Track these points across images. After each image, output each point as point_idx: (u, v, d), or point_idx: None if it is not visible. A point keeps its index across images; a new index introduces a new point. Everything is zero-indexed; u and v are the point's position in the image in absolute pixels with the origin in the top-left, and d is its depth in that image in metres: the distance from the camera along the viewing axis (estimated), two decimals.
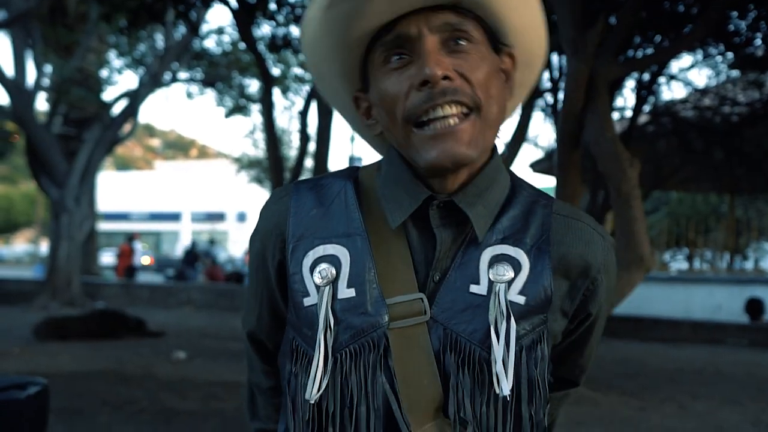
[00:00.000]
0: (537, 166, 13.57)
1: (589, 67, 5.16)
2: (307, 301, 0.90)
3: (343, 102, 1.01)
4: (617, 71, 5.60)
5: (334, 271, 0.89)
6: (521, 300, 0.87)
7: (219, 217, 43.58)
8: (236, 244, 39.19)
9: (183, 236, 36.36)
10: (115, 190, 42.95)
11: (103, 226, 34.26)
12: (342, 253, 0.90)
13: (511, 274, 0.88)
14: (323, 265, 0.89)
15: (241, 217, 42.73)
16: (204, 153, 64.06)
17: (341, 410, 0.86)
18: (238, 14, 7.80)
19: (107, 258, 27.49)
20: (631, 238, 5.03)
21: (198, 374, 6.31)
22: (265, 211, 0.99)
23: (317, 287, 0.89)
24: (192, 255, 18.15)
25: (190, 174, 45.66)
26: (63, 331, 8.43)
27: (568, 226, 0.93)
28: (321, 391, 0.85)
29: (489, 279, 0.87)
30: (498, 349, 0.84)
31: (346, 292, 0.88)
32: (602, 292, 0.95)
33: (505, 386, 0.83)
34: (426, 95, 0.84)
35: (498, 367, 0.83)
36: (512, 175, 0.98)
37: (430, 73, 0.83)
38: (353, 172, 0.99)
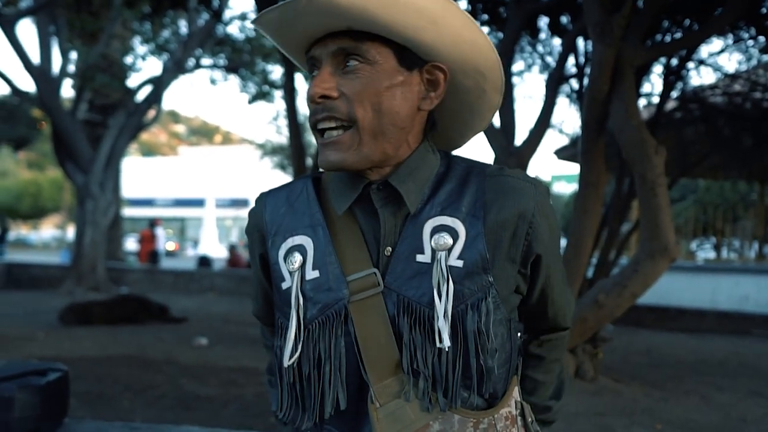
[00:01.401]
0: (562, 153, 13.40)
1: (614, 52, 5.04)
2: (284, 285, 1.07)
3: None
4: (644, 56, 5.46)
5: (301, 258, 1.06)
6: (460, 264, 1.01)
7: (243, 203, 43.84)
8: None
9: (207, 222, 36.59)
10: (140, 176, 43.40)
11: (128, 212, 34.65)
12: (306, 241, 1.07)
13: (450, 242, 1.01)
14: (293, 254, 1.06)
15: None
16: (228, 139, 64.39)
17: (312, 370, 1.02)
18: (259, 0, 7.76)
19: (131, 244, 27.79)
20: (655, 227, 4.93)
21: (219, 360, 6.34)
22: (250, 214, 1.16)
23: (290, 273, 1.06)
24: None
25: (214, 160, 45.95)
26: (87, 316, 8.53)
27: (499, 183, 1.05)
28: (295, 357, 1.02)
29: (431, 248, 1.01)
30: (440, 307, 0.97)
31: (312, 274, 1.05)
32: (543, 232, 1.06)
33: (446, 339, 0.97)
34: (312, 109, 1.02)
35: (440, 323, 0.97)
36: (449, 156, 1.11)
37: (310, 93, 1.01)
38: (311, 175, 1.16)
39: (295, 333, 1.03)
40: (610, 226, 8.58)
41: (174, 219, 45.70)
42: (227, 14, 14.24)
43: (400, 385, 1.00)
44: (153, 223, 18.89)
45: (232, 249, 17.82)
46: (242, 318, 9.56)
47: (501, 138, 6.04)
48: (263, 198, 1.15)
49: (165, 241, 28.03)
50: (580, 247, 5.26)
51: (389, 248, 1.04)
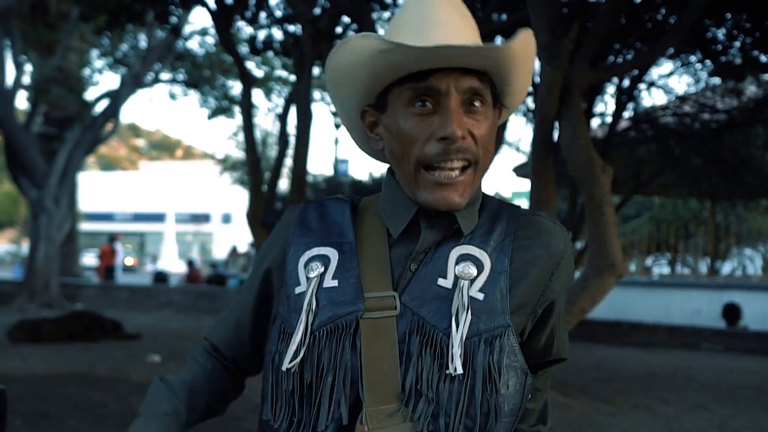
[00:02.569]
0: (520, 171, 13.63)
1: (562, 74, 5.18)
2: (298, 290, 1.05)
3: (349, 111, 1.14)
4: (592, 78, 5.62)
5: (322, 267, 1.05)
6: (480, 296, 1.01)
7: (204, 218, 43.39)
8: (221, 246, 39.04)
9: (167, 237, 36.11)
10: (99, 191, 42.67)
11: (87, 226, 34.02)
12: (332, 253, 1.06)
13: (474, 272, 1.01)
14: (315, 263, 1.06)
15: (226, 219, 42.58)
16: (190, 154, 63.77)
17: (315, 378, 0.99)
18: (216, 16, 7.78)
19: (90, 259, 27.28)
20: (603, 244, 5.05)
21: None
22: (279, 222, 1.16)
23: (308, 279, 1.04)
24: None
25: (174, 175, 45.46)
26: (37, 333, 8.36)
27: (531, 223, 1.08)
28: (297, 361, 0.99)
29: (455, 274, 1.01)
30: (456, 335, 0.97)
31: (330, 282, 1.03)
32: (563, 277, 1.08)
33: (458, 366, 0.95)
34: (443, 149, 0.99)
35: (454, 349, 0.96)
36: (481, 191, 1.13)
37: (452, 133, 0.98)
38: (351, 198, 1.16)
39: (301, 337, 1.00)
40: None
41: (133, 234, 44.98)
42: (187, 29, 14.17)
43: (393, 413, 0.97)
44: (112, 237, 18.61)
45: (190, 264, 17.62)
46: (198, 334, 9.41)
47: None
48: (297, 209, 1.15)
49: (124, 256, 27.58)
50: None
51: (415, 264, 1.04)
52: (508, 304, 1.02)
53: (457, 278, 1.01)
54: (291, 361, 0.99)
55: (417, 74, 1.00)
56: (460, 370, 0.95)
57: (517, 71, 1.05)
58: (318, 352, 1.00)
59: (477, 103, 1.02)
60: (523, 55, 1.03)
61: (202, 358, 1.21)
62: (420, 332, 0.99)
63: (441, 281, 1.02)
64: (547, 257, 1.06)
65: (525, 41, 1.01)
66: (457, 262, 1.03)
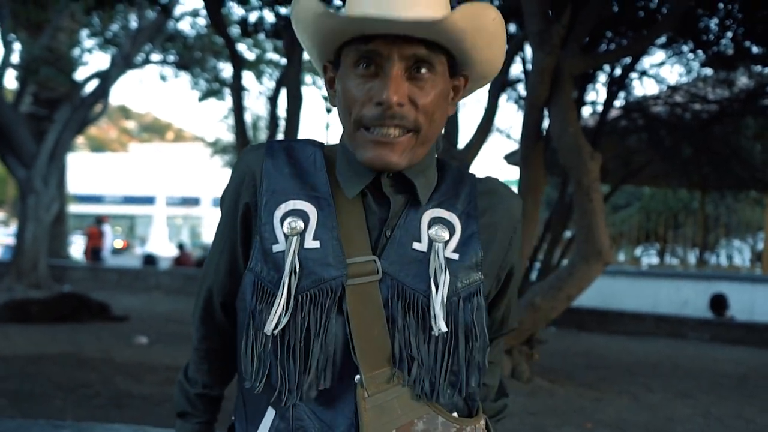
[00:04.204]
0: (510, 159, 13.62)
1: (553, 60, 5.17)
2: (276, 248, 1.02)
3: (317, 64, 1.14)
4: (582, 64, 5.61)
5: (302, 224, 1.01)
6: (455, 256, 1.03)
7: (194, 201, 43.25)
8: (211, 229, 38.97)
9: (157, 220, 35.97)
10: (89, 172, 42.42)
11: (75, 208, 33.82)
12: (310, 209, 1.03)
13: (447, 235, 1.03)
14: (292, 218, 1.02)
15: (216, 203, 42.37)
16: (180, 136, 63.42)
17: (299, 343, 0.98)
18: None
19: (77, 241, 27.18)
20: (590, 231, 5.07)
21: (157, 359, 6.26)
22: (239, 162, 1.10)
23: (285, 236, 1.01)
24: None
25: (165, 157, 45.23)
26: (24, 313, 8.32)
27: (489, 188, 1.12)
28: (281, 327, 0.98)
29: (429, 237, 1.03)
30: (437, 297, 0.98)
31: (312, 243, 1.01)
32: (518, 242, 1.13)
33: (442, 325, 0.98)
34: (379, 113, 0.99)
35: (436, 310, 0.98)
36: (438, 159, 1.14)
37: (387, 98, 0.97)
38: (319, 143, 1.12)
39: (285, 301, 0.98)
40: (554, 231, 8.76)
41: (123, 216, 44.81)
42: (178, 10, 14.05)
43: (389, 378, 0.99)
44: (99, 219, 18.52)
45: (181, 247, 17.59)
46: (186, 317, 9.43)
47: (444, 141, 6.11)
48: (260, 148, 1.10)
49: (112, 239, 27.48)
50: (519, 252, 5.37)
51: (390, 230, 1.04)
52: (481, 263, 1.05)
53: (431, 241, 1.03)
54: (275, 327, 0.98)
55: (364, 36, 1.00)
56: (444, 329, 0.98)
57: (470, 43, 1.03)
58: (302, 316, 0.98)
59: (423, 71, 1.01)
60: (473, 29, 1.01)
61: (202, 332, 1.20)
62: (401, 296, 1.00)
63: (416, 245, 1.03)
64: (507, 221, 1.11)
65: (470, 14, 0.98)
66: (429, 226, 1.04)
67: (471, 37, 1.02)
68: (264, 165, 1.07)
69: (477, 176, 1.14)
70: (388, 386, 0.98)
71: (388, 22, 0.96)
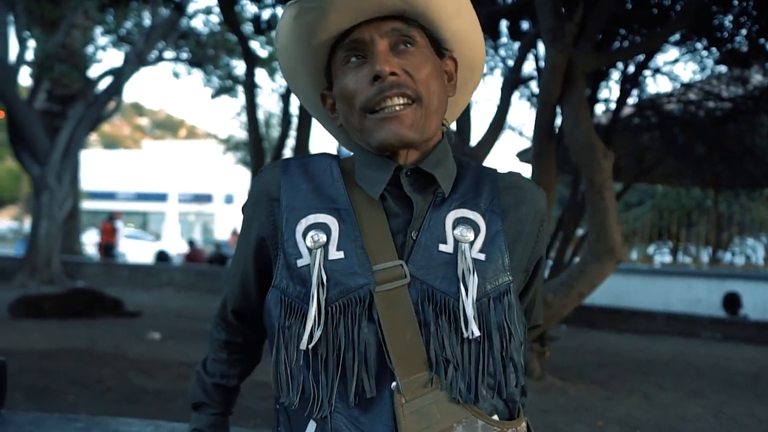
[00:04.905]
0: (523, 156, 13.58)
1: (566, 58, 5.15)
2: (300, 263, 1.02)
3: (311, 99, 1.18)
4: (595, 62, 5.59)
5: (324, 237, 1.02)
6: (482, 257, 1.02)
7: (206, 198, 43.39)
8: (223, 226, 39.08)
9: (169, 217, 36.16)
10: (102, 169, 42.66)
11: (89, 204, 34.04)
12: (331, 221, 1.03)
13: (472, 235, 1.03)
14: (314, 231, 1.02)
15: (229, 199, 42.57)
16: (193, 133, 63.68)
17: (332, 355, 0.98)
18: None
19: (91, 237, 27.33)
20: (602, 229, 5.05)
21: (169, 354, 6.30)
22: (257, 181, 1.12)
23: (309, 250, 1.02)
24: None
25: (177, 154, 45.40)
26: (38, 309, 8.39)
27: (511, 183, 1.11)
28: (315, 341, 0.98)
29: (454, 239, 1.02)
30: (467, 299, 0.98)
31: (336, 254, 1.01)
32: (546, 234, 1.14)
33: (474, 329, 0.97)
34: (377, 89, 1.01)
35: (468, 311, 0.97)
36: (456, 156, 1.14)
37: (380, 69, 1.00)
38: (334, 155, 1.14)
39: (315, 314, 0.98)
40: (566, 229, 8.74)
41: (136, 213, 45.04)
42: (191, 8, 14.11)
43: (426, 383, 0.98)
44: (112, 216, 18.64)
45: (191, 244, 17.68)
46: (198, 313, 9.49)
47: (456, 138, 6.12)
48: (277, 167, 1.12)
49: (125, 235, 27.63)
50: None
51: (416, 232, 1.03)
52: (509, 261, 1.04)
53: (456, 242, 1.02)
54: (309, 341, 0.98)
55: (343, 35, 1.05)
56: (477, 333, 0.98)
57: (437, 12, 1.06)
58: (333, 328, 0.99)
59: (408, 45, 1.05)
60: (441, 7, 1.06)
61: (222, 333, 1.23)
62: (432, 300, 1.00)
63: (442, 247, 1.02)
64: (533, 215, 1.10)
65: None
66: (454, 227, 1.03)
67: (436, 5, 1.05)
68: (282, 183, 1.08)
69: (498, 171, 1.13)
70: (426, 391, 0.98)
71: (358, 4, 1.01)
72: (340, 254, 1.01)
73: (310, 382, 0.99)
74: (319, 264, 1.00)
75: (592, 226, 5.20)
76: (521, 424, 1.06)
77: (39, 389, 4.80)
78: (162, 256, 17.49)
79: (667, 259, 17.49)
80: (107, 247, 17.25)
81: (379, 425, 0.97)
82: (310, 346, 0.98)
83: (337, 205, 1.05)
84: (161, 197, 41.24)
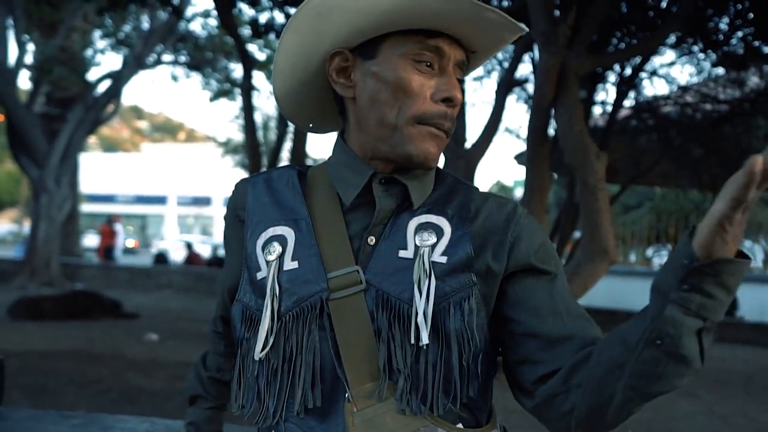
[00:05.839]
0: (521, 158, 13.62)
1: (559, 60, 5.20)
2: (259, 275, 1.02)
3: (313, 50, 1.06)
4: (588, 64, 5.64)
5: (280, 249, 1.01)
6: (443, 260, 0.97)
7: (205, 201, 43.46)
8: (222, 229, 39.04)
9: (168, 220, 36.21)
10: (101, 172, 42.70)
11: (88, 207, 34.07)
12: (288, 233, 1.03)
13: (434, 239, 0.99)
14: (273, 244, 1.02)
15: (227, 202, 42.56)
16: (192, 136, 63.73)
17: (282, 365, 0.97)
18: None
19: (91, 240, 27.38)
20: (595, 230, 5.10)
21: (167, 355, 6.35)
22: (230, 197, 1.13)
23: (267, 262, 1.01)
24: None
25: (176, 157, 45.46)
26: (37, 310, 8.43)
27: (485, 197, 1.06)
28: (266, 349, 0.96)
29: (415, 244, 0.99)
30: (420, 303, 0.93)
31: (290, 264, 1.00)
32: (528, 238, 1.02)
33: (424, 337, 0.92)
34: (442, 111, 0.99)
35: (419, 319, 0.93)
36: (438, 169, 1.10)
37: (456, 96, 1.00)
38: (294, 167, 1.13)
39: (269, 325, 0.97)
40: (563, 231, 8.78)
41: (135, 216, 45.09)
42: (189, 11, 14.16)
43: (379, 392, 0.95)
44: (111, 219, 18.69)
45: (189, 247, 17.71)
46: (196, 315, 9.54)
47: (450, 141, 6.16)
48: (245, 185, 1.12)
49: (124, 238, 27.67)
50: None
51: (372, 237, 1.01)
52: (473, 263, 0.98)
53: (417, 248, 0.98)
54: (262, 350, 0.97)
55: (423, 32, 0.99)
56: (426, 341, 0.93)
57: (484, 59, 1.09)
58: (285, 337, 0.97)
59: (459, 76, 1.04)
60: (503, 46, 1.08)
61: (219, 327, 1.25)
62: (386, 307, 0.96)
63: (402, 253, 0.99)
64: (505, 218, 1.03)
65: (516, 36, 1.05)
66: (416, 232, 1.00)
67: (483, 59, 1.09)
68: (247, 198, 1.09)
69: (475, 188, 1.09)
70: (376, 400, 0.95)
71: (494, 12, 0.98)
72: (294, 264, 1.00)
73: (262, 392, 0.99)
74: (274, 275, 0.99)
75: (586, 228, 5.24)
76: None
77: (38, 389, 4.84)
78: (161, 258, 17.53)
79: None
80: (107, 250, 17.29)
81: None
82: (262, 357, 0.97)
83: (296, 216, 1.04)
84: (160, 200, 41.30)
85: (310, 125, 1.20)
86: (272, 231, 1.04)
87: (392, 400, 0.95)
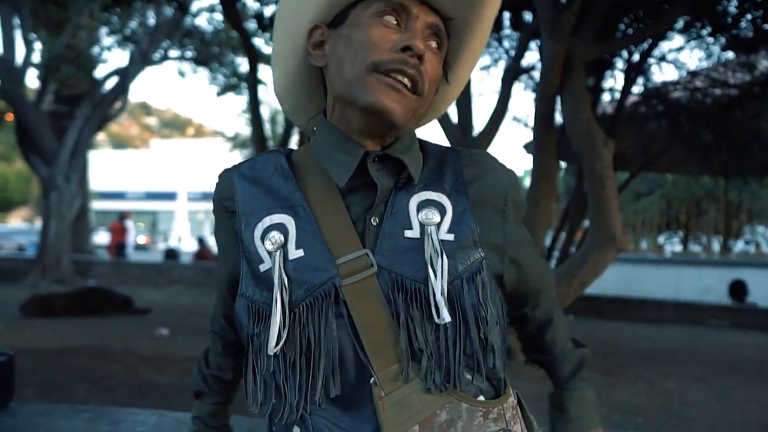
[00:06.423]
0: (530, 147, 13.54)
1: (565, 48, 5.16)
2: (263, 267, 0.99)
3: (298, 28, 1.07)
4: (594, 51, 5.59)
5: (282, 237, 0.98)
6: (450, 237, 0.98)
7: None
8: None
9: (179, 215, 36.34)
10: (111, 169, 42.87)
11: (98, 205, 34.24)
12: (287, 220, 1.00)
13: (438, 217, 0.99)
14: (272, 233, 0.99)
15: None
16: (201, 132, 63.88)
17: (299, 357, 0.95)
18: None
19: (102, 237, 27.53)
20: (603, 217, 5.07)
21: (178, 350, 6.38)
22: (215, 189, 1.10)
23: (269, 253, 0.98)
24: None
25: (185, 153, 45.58)
26: (49, 308, 8.49)
27: (474, 160, 1.06)
28: (281, 344, 0.94)
29: (420, 223, 0.98)
30: (436, 282, 0.94)
31: (295, 253, 0.98)
32: (516, 211, 1.08)
33: (445, 315, 0.94)
34: (401, 58, 0.97)
35: (438, 298, 0.94)
36: (419, 139, 1.11)
37: (416, 46, 0.97)
38: (280, 151, 1.10)
39: (280, 318, 0.95)
40: (572, 220, 8.75)
41: (145, 212, 45.26)
42: (195, 6, 14.16)
43: (404, 374, 0.95)
44: (123, 216, 18.77)
45: (200, 241, 17.77)
46: (207, 309, 9.47)
47: (457, 131, 6.14)
48: (228, 174, 1.09)
49: (136, 235, 27.81)
50: (533, 239, 5.39)
51: (376, 218, 1.00)
52: (479, 238, 1.00)
53: (422, 226, 0.98)
54: (276, 345, 0.95)
55: None
56: (448, 319, 0.94)
57: (473, 40, 1.08)
58: (300, 329, 0.95)
59: (434, 44, 1.03)
60: (487, 21, 1.06)
61: (217, 326, 1.24)
62: (401, 288, 0.96)
63: (408, 233, 0.98)
64: (495, 190, 1.05)
65: (494, 7, 1.04)
66: (418, 210, 1.00)
67: (481, 31, 1.07)
68: (235, 189, 1.05)
69: (461, 150, 1.09)
70: (402, 383, 0.95)
71: None
72: (300, 252, 0.98)
73: (281, 387, 0.97)
74: (280, 266, 0.97)
75: (594, 215, 5.21)
76: (508, 400, 1.03)
77: (50, 385, 4.88)
78: (171, 254, 17.61)
79: (678, 248, 17.43)
80: (118, 246, 17.38)
81: (362, 422, 0.95)
82: (277, 351, 0.95)
83: (291, 202, 1.02)
84: (170, 196, 41.41)
85: (313, 127, 1.17)
86: (269, 220, 1.01)
87: (417, 380, 0.95)
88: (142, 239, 34.56)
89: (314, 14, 1.05)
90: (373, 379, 0.94)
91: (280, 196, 1.03)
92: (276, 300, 0.95)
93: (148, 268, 14.83)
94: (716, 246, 15.82)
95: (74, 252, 14.51)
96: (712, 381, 5.60)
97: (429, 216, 0.99)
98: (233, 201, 1.05)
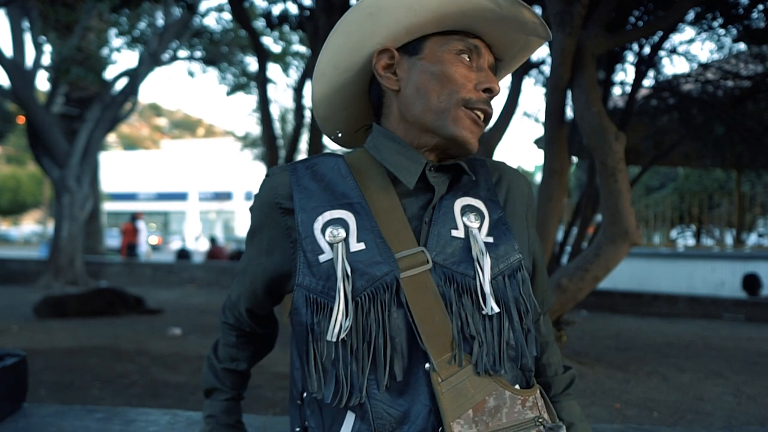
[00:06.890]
0: (541, 142, 13.50)
1: (575, 41, 5.11)
2: (322, 258, 1.06)
3: (359, 47, 1.16)
4: (605, 44, 5.53)
5: (343, 232, 1.06)
6: (490, 240, 1.11)
7: (226, 196, 43.69)
8: (243, 223, 39.27)
9: (190, 216, 36.47)
10: (122, 170, 43.09)
11: (110, 206, 34.42)
12: (347, 216, 1.08)
13: (479, 222, 1.11)
14: (332, 227, 1.06)
15: (249, 196, 42.82)
16: (211, 132, 64.05)
17: (362, 344, 1.02)
18: None
19: (113, 238, 27.64)
20: (616, 212, 5.02)
21: (191, 349, 6.39)
22: (265, 185, 1.15)
23: (330, 245, 1.05)
24: None
25: (196, 153, 45.74)
26: (62, 309, 8.53)
27: (498, 169, 1.22)
28: (344, 333, 1.01)
29: (464, 225, 1.10)
30: (484, 278, 1.05)
31: (357, 246, 1.05)
32: (533, 219, 1.23)
33: (493, 305, 1.05)
34: (485, 99, 1.13)
35: (486, 289, 1.05)
36: None
37: (495, 89, 1.14)
38: (339, 154, 1.19)
39: (344, 306, 1.01)
40: (584, 215, 8.69)
41: (157, 213, 45.48)
42: (203, 6, 14.17)
43: (457, 360, 1.03)
44: (134, 216, 18.84)
45: (212, 241, 17.80)
46: (219, 308, 9.57)
47: None
48: (283, 171, 1.15)
49: (147, 235, 27.92)
50: (544, 234, 5.35)
51: (427, 217, 1.11)
52: (515, 241, 1.13)
53: (466, 227, 1.10)
54: (341, 333, 1.01)
55: (460, 32, 1.14)
56: (496, 309, 1.05)
57: (510, 69, 1.28)
58: (363, 317, 1.02)
59: None
60: (525, 59, 1.25)
61: (230, 319, 1.32)
62: (452, 282, 1.05)
63: (454, 232, 1.09)
64: (520, 199, 1.21)
65: (535, 50, 1.23)
66: (462, 213, 1.12)
67: (509, 70, 1.30)
68: (292, 187, 1.12)
69: (487, 160, 1.23)
70: (458, 368, 1.02)
71: (531, 13, 1.15)
72: (361, 245, 1.05)
73: (341, 373, 1.02)
74: (343, 257, 1.03)
75: (606, 209, 5.16)
76: (537, 392, 1.11)
77: (63, 385, 4.89)
78: (183, 254, 17.65)
79: (691, 242, 17.30)
80: (130, 247, 17.45)
81: (418, 406, 1.01)
82: (340, 339, 1.01)
83: (351, 200, 1.09)
84: (182, 196, 41.60)
85: (338, 133, 1.29)
86: (329, 215, 1.08)
87: (469, 366, 1.03)
88: (153, 240, 34.72)
89: (387, 37, 1.15)
90: (428, 365, 1.01)
91: (339, 193, 1.10)
92: (339, 290, 1.01)
93: (160, 268, 14.88)
94: (729, 239, 15.68)
95: (87, 253, 14.56)
96: (728, 375, 5.55)
97: (471, 219, 1.11)
98: (288, 197, 1.12)
